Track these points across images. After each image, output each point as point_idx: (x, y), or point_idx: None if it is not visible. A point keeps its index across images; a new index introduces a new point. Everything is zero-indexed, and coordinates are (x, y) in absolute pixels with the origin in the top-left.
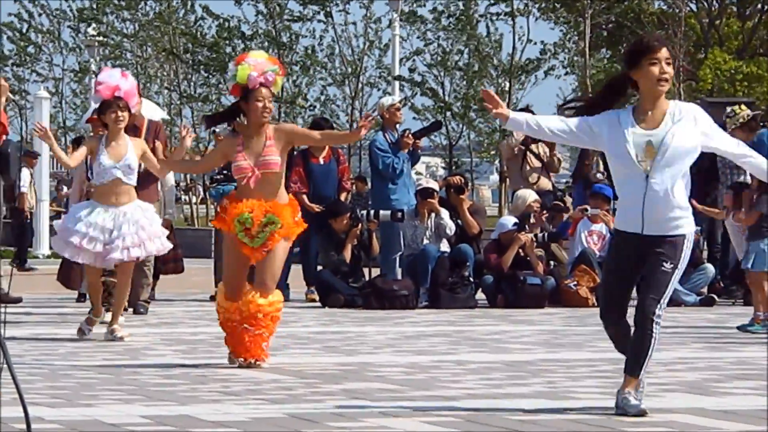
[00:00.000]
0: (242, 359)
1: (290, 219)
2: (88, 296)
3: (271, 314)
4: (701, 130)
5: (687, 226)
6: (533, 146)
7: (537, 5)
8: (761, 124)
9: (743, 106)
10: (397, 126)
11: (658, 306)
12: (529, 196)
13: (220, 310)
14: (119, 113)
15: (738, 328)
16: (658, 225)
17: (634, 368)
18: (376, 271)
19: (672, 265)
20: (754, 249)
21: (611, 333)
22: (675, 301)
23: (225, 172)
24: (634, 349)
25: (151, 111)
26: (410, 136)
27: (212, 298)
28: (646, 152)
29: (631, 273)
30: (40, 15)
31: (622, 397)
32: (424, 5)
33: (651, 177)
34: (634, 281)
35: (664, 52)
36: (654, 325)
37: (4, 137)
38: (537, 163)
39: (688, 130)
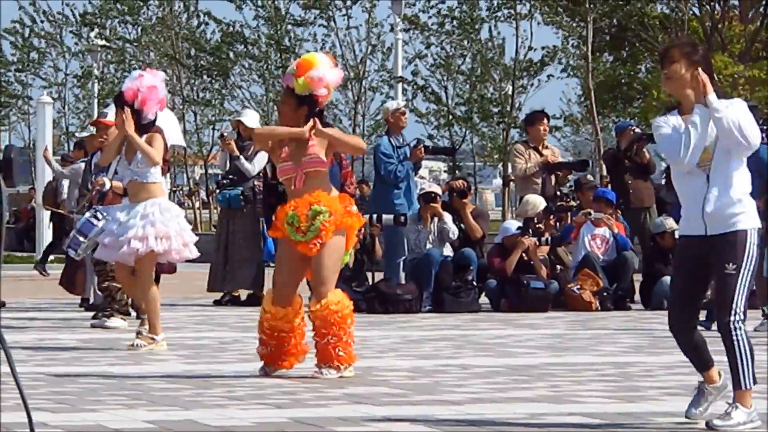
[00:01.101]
0: (271, 368)
1: (339, 207)
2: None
3: (331, 318)
4: None
5: (748, 223)
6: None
7: (539, 10)
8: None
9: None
10: (402, 130)
11: (732, 312)
12: (539, 203)
13: (266, 316)
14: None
15: None
16: (718, 223)
17: (734, 382)
18: (379, 275)
19: (735, 266)
20: None
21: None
22: None
23: (231, 176)
24: (729, 363)
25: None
26: (422, 150)
27: (216, 303)
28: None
29: (696, 277)
30: (42, 21)
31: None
32: (427, 11)
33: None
34: (701, 286)
35: (668, 54)
36: (733, 333)
37: None
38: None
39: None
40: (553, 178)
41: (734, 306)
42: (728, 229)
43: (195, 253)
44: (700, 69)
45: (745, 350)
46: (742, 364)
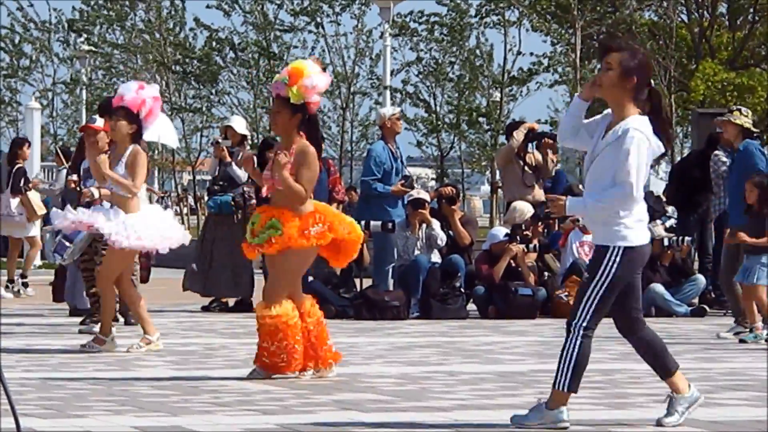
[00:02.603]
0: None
1: (294, 231)
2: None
3: (265, 327)
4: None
5: (614, 240)
6: (526, 156)
7: (528, 17)
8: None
9: (748, 115)
10: (396, 136)
11: (576, 317)
12: (527, 210)
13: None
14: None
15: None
16: (594, 235)
17: (554, 380)
18: (367, 282)
19: (588, 276)
20: (757, 263)
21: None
22: (666, 312)
23: (222, 183)
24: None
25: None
26: (405, 186)
27: (204, 309)
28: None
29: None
30: (29, 21)
31: None
32: (417, 21)
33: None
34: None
35: (606, 58)
36: (572, 337)
37: None
38: (530, 172)
39: (616, 148)
40: (538, 189)
41: (579, 312)
42: (597, 242)
43: (179, 241)
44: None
45: (571, 355)
46: (564, 366)
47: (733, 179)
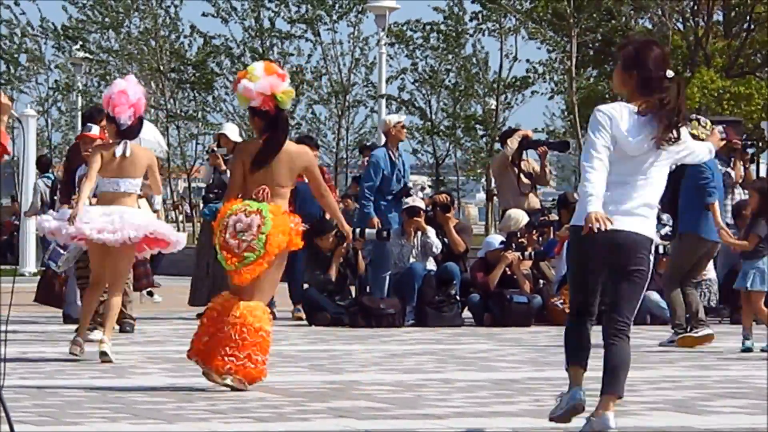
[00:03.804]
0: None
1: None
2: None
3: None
4: None
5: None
6: (521, 164)
7: (524, 24)
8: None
9: (707, 126)
10: (399, 143)
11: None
12: (522, 217)
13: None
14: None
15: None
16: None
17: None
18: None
19: (639, 276)
20: (752, 268)
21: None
22: (661, 319)
23: (216, 190)
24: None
25: (150, 137)
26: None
27: (199, 317)
28: None
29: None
30: (27, 25)
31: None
32: (414, 30)
33: None
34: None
35: (616, 56)
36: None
37: (5, 157)
38: (526, 180)
39: None
40: (532, 196)
41: (627, 313)
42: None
43: (181, 241)
44: None
45: (627, 358)
46: (624, 372)
47: (684, 187)
